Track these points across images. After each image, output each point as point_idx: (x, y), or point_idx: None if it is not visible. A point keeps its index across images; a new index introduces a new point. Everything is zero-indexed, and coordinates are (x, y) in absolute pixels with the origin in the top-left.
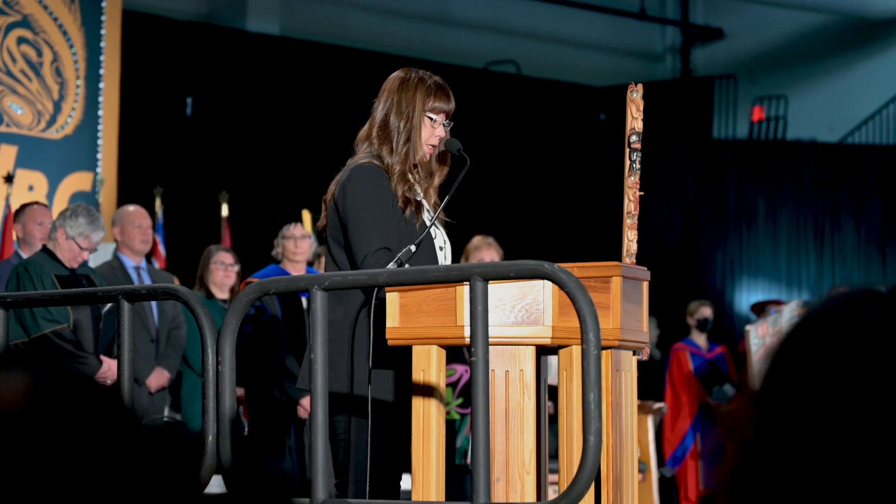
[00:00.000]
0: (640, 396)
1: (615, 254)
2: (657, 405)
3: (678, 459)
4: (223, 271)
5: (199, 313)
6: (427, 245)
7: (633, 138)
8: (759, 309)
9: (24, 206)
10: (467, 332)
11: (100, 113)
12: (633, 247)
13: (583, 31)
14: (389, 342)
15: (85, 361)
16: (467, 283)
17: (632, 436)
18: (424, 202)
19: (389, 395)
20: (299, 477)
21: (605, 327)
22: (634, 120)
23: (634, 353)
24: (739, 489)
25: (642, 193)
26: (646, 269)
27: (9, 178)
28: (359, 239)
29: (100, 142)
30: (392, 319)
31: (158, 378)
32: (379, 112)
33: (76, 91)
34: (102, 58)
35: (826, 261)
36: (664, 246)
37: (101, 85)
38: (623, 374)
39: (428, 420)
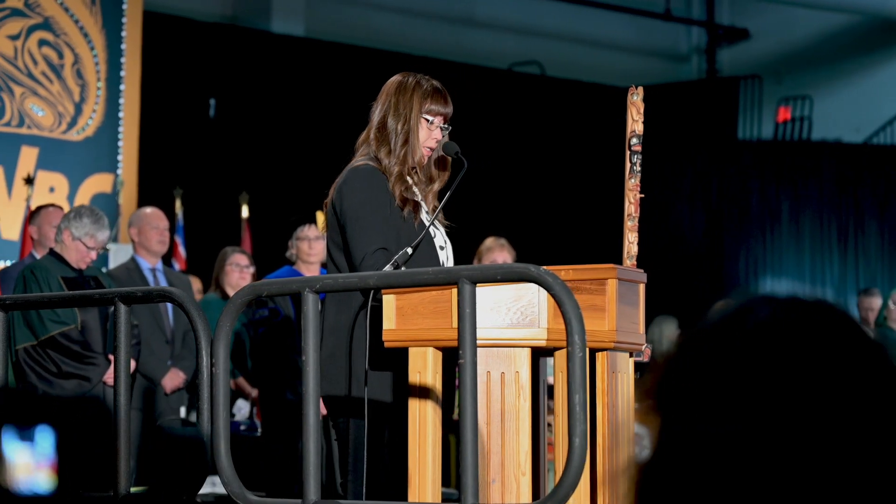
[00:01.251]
0: None
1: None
2: None
3: None
4: (238, 273)
5: (194, 315)
6: (426, 245)
7: (634, 141)
8: None
9: (39, 209)
10: None
11: (120, 115)
12: (634, 249)
13: (607, 31)
14: (386, 344)
15: (94, 361)
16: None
17: (628, 436)
18: (423, 203)
19: (390, 396)
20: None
21: (601, 329)
22: (635, 122)
23: (633, 355)
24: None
25: (643, 196)
26: (642, 271)
27: (29, 180)
28: (357, 240)
29: (120, 143)
30: (389, 322)
31: (174, 379)
32: (377, 115)
33: (97, 93)
34: (123, 60)
35: (850, 261)
36: (687, 246)
37: (122, 87)
38: (619, 375)
39: (424, 421)
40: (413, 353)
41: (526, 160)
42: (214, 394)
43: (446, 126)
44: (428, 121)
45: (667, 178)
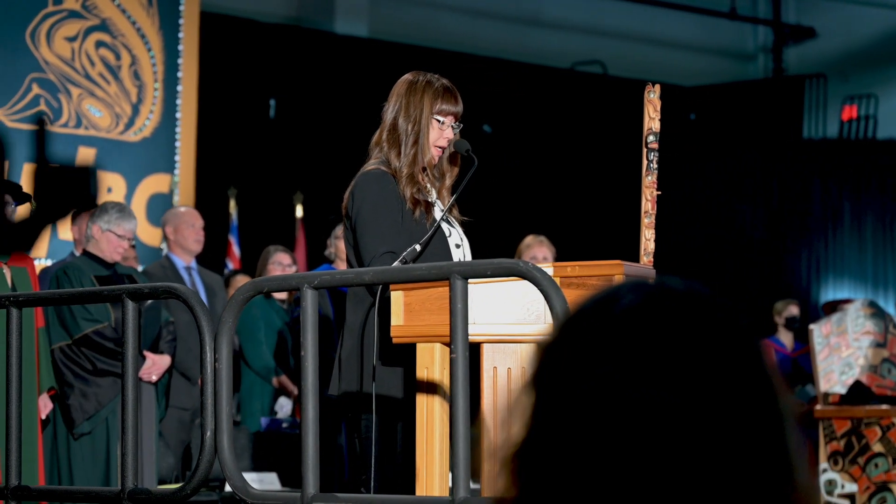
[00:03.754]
0: None
1: (690, 252)
2: None
3: None
4: (281, 271)
5: (198, 312)
6: (439, 244)
7: (651, 138)
8: (831, 308)
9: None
10: (471, 330)
11: (178, 115)
12: (651, 246)
13: (672, 31)
14: (394, 340)
15: None
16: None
17: None
18: (438, 202)
19: (402, 392)
20: (349, 474)
21: None
22: (651, 120)
23: None
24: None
25: (660, 193)
26: (650, 267)
27: None
28: (365, 243)
29: (178, 144)
30: (396, 318)
31: None
32: (388, 116)
33: (154, 94)
34: (180, 61)
35: None
36: (750, 244)
37: (179, 88)
38: None
39: (432, 417)
40: (421, 348)
41: (586, 159)
42: (217, 389)
43: (458, 125)
44: (439, 121)
45: (730, 176)
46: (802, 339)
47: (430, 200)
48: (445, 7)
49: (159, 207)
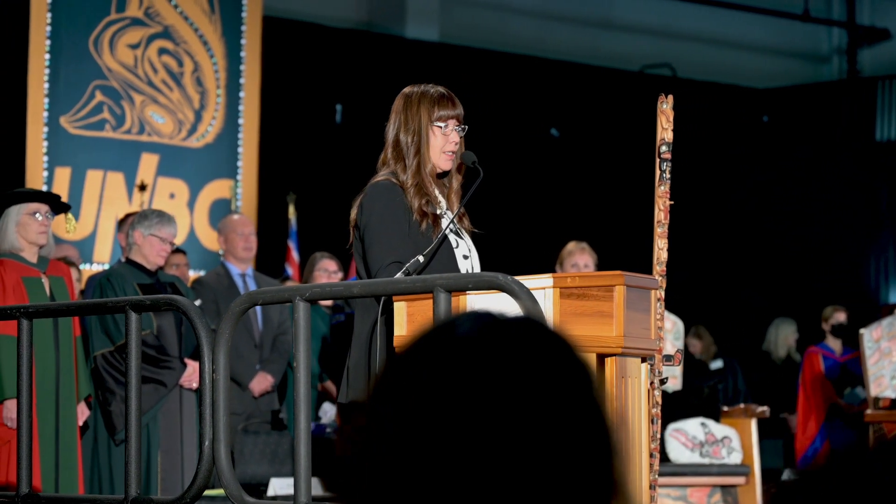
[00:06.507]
0: (774, 399)
1: (761, 252)
2: (760, 409)
3: (808, 460)
4: (326, 278)
5: (197, 323)
6: (446, 255)
7: (664, 149)
8: (889, 311)
9: (127, 216)
10: None
11: (240, 121)
12: (664, 255)
13: (744, 33)
14: (397, 350)
15: (169, 365)
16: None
17: (641, 442)
18: (448, 213)
19: None
20: None
21: (609, 335)
22: (664, 130)
23: (645, 360)
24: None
25: (672, 203)
26: (654, 278)
27: (142, 187)
28: (372, 253)
29: (240, 150)
30: (399, 328)
31: (261, 382)
32: (390, 134)
33: (216, 100)
34: (242, 67)
35: None
36: (819, 245)
37: (242, 94)
38: (629, 380)
39: None
40: None
41: (648, 162)
42: (215, 399)
43: (462, 127)
44: (440, 126)
45: (801, 178)
46: (853, 344)
47: (437, 213)
48: (516, 10)
49: (222, 213)
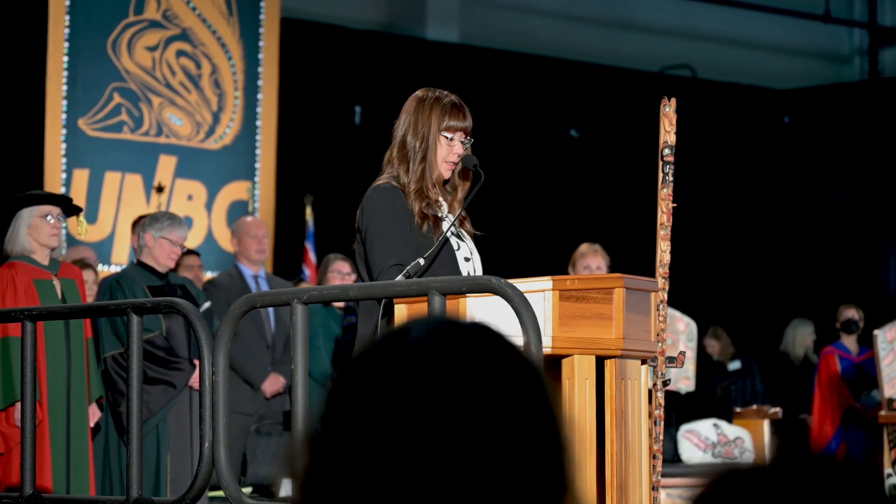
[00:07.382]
0: (792, 400)
1: (784, 253)
2: (772, 410)
3: None
4: (340, 280)
5: (197, 326)
6: (447, 257)
7: (666, 151)
8: None
9: (140, 218)
10: None
11: (258, 123)
12: (667, 257)
13: (764, 33)
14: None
15: (179, 366)
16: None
17: (641, 443)
18: (450, 216)
19: None
20: None
21: (608, 337)
22: (667, 133)
23: (646, 362)
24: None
25: (675, 205)
26: (654, 280)
27: (160, 189)
28: (374, 256)
29: (258, 151)
30: None
31: (273, 383)
32: (398, 133)
33: (234, 102)
34: (260, 69)
35: None
36: (843, 246)
37: (259, 96)
38: (629, 382)
39: None
40: None
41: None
42: (215, 401)
43: (468, 140)
44: (447, 137)
45: (823, 178)
46: (869, 343)
47: (438, 215)
48: (537, 12)
49: (239, 215)
